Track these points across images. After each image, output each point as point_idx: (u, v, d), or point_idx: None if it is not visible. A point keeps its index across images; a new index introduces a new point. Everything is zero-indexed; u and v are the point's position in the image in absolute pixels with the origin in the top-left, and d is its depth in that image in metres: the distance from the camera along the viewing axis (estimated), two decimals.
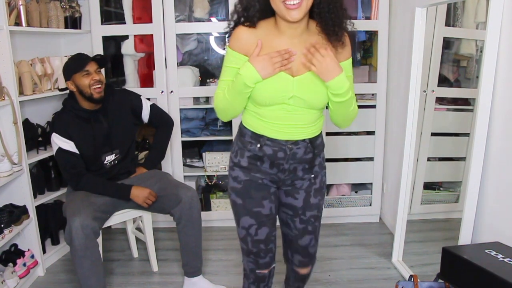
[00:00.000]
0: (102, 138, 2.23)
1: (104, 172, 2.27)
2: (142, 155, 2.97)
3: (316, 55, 1.34)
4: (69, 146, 2.15)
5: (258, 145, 1.51)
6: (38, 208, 2.48)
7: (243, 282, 1.75)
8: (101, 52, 2.86)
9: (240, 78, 1.39)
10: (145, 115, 2.42)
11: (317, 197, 1.62)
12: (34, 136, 2.53)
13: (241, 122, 1.60)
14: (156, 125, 2.50)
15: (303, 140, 1.52)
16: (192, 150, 3.22)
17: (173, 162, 3.02)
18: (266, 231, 1.60)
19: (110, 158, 2.28)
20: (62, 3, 2.71)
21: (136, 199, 2.21)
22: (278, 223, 1.70)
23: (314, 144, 1.55)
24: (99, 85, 2.17)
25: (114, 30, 2.91)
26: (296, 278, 1.80)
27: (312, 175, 1.60)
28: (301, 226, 1.64)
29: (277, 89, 1.42)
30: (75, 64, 2.17)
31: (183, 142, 3.02)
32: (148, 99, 2.87)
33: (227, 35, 1.51)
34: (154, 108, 2.47)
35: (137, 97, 2.42)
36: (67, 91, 2.29)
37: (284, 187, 1.61)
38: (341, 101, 1.42)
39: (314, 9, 1.37)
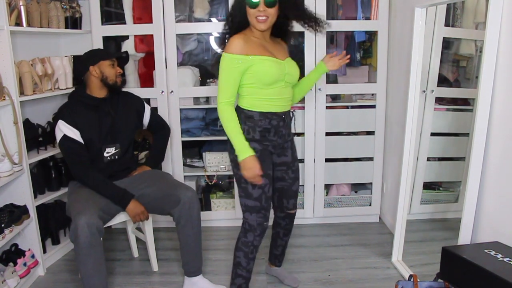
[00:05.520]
0: (106, 128, 2.27)
1: (103, 166, 2.26)
2: (142, 155, 2.98)
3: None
4: (74, 134, 2.16)
5: (268, 120, 1.93)
6: (39, 208, 2.49)
7: (245, 237, 2.00)
8: None
9: (239, 149, 1.86)
10: (146, 120, 2.49)
11: (296, 150, 2.17)
12: (35, 136, 2.53)
13: (241, 108, 1.95)
14: (155, 129, 2.56)
15: (288, 111, 2.02)
16: (192, 150, 3.22)
17: (173, 162, 3.02)
18: (271, 189, 2.02)
19: (110, 150, 2.29)
20: (63, 3, 2.71)
21: (129, 211, 2.23)
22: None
23: (291, 114, 2.06)
24: (122, 77, 2.36)
25: (114, 30, 2.91)
26: (290, 219, 2.25)
27: (291, 137, 2.12)
28: (293, 175, 2.14)
29: (278, 68, 1.89)
30: (103, 53, 2.32)
31: (183, 142, 3.02)
32: (148, 99, 2.88)
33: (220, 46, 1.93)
34: (153, 112, 2.55)
35: (140, 100, 2.49)
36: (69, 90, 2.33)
37: (278, 150, 2.06)
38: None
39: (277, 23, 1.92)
